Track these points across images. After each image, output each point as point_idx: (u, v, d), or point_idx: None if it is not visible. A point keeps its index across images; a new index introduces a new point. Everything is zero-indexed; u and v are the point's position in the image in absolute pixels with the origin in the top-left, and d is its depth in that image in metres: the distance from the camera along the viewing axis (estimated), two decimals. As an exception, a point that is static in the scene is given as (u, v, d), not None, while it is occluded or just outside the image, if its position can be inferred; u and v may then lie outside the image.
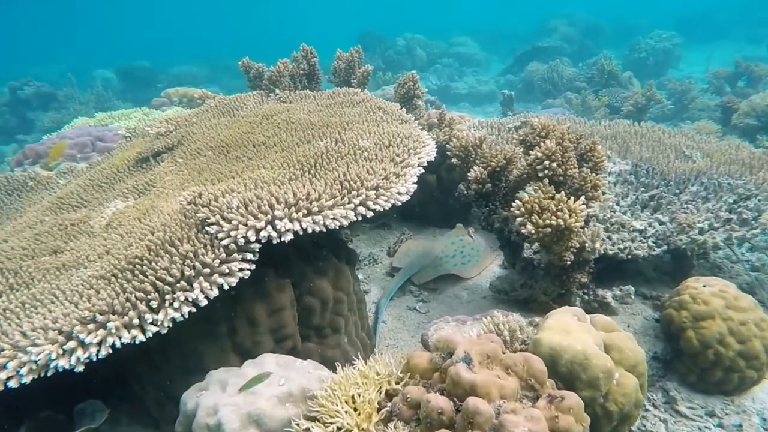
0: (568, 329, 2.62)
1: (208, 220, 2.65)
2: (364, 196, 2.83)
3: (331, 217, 2.68)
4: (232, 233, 2.54)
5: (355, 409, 2.17)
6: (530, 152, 3.35)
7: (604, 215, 4.21)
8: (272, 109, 4.52)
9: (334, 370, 3.06)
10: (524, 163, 3.86)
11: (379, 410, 2.13)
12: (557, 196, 3.07)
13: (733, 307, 3.33)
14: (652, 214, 4.37)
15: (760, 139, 7.85)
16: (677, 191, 4.60)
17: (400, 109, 4.32)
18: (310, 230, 2.63)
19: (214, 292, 2.45)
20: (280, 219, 2.58)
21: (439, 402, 1.96)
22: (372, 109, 4.29)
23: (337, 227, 2.73)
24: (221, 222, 2.59)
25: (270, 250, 2.90)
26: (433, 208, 5.44)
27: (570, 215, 2.96)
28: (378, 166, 3.12)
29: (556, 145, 3.24)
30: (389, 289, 4.31)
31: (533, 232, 3.06)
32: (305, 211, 2.64)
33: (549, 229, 3.01)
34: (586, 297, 3.77)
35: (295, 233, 2.62)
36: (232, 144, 3.91)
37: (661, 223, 4.20)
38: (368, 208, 2.85)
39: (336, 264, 3.12)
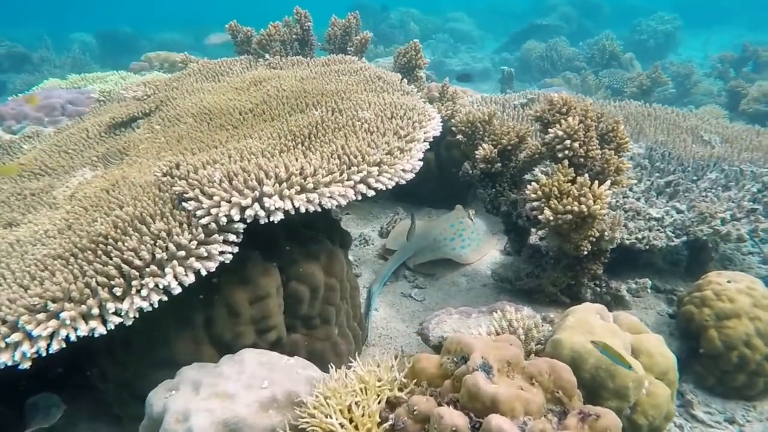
0: (592, 329, 2.32)
1: (185, 195, 2.28)
2: (365, 173, 2.49)
3: (328, 195, 2.34)
4: (213, 211, 2.18)
5: (351, 421, 1.85)
6: (549, 130, 3.01)
7: (617, 201, 3.91)
8: (261, 74, 4.12)
9: (322, 364, 2.74)
10: (535, 143, 3.53)
11: (380, 423, 1.82)
12: (580, 179, 2.75)
13: (761, 306, 3.05)
14: (667, 202, 4.08)
15: (771, 127, 7.58)
16: (695, 178, 4.30)
17: (401, 80, 3.95)
18: (303, 209, 2.29)
19: (190, 278, 2.10)
20: (270, 196, 2.23)
21: (455, 419, 1.65)
22: (371, 78, 3.91)
23: (334, 207, 2.38)
24: (201, 197, 2.23)
25: (255, 229, 2.55)
26: (430, 187, 5.10)
27: (595, 201, 2.64)
28: (380, 140, 2.77)
29: (578, 123, 2.91)
30: (382, 274, 3.99)
31: (551, 218, 2.74)
32: (298, 188, 2.29)
33: (569, 216, 2.69)
34: (597, 289, 3.48)
35: (286, 213, 2.27)
36: (216, 111, 3.52)
37: (679, 211, 3.91)
38: (369, 186, 2.51)
39: (329, 247, 2.79)
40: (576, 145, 2.92)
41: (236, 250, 2.25)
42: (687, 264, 4.13)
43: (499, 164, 3.42)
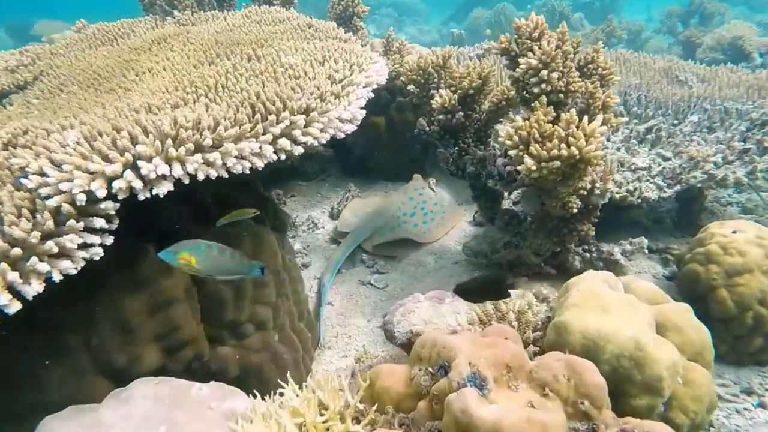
0: (605, 305, 1.75)
1: (27, 168, 1.59)
2: (287, 123, 1.84)
3: (236, 154, 1.68)
4: (64, 186, 1.50)
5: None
6: (520, 61, 2.42)
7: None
8: (167, 32, 3.40)
9: (260, 383, 2.12)
10: (501, 88, 2.95)
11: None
12: (565, 116, 2.18)
13: (775, 257, 2.58)
14: (650, 150, 3.58)
15: (727, 74, 7.27)
16: (676, 122, 3.83)
17: (337, 27, 3.30)
18: (202, 176, 1.63)
19: (34, 288, 1.42)
20: (147, 159, 1.56)
21: (438, 470, 1.05)
22: (300, 27, 3.25)
23: (247, 171, 1.73)
24: (47, 169, 1.54)
25: (148, 212, 1.89)
26: (384, 156, 4.48)
27: (587, 141, 2.08)
28: (309, 84, 2.13)
29: (555, 49, 2.33)
30: (335, 260, 3.36)
31: (534, 168, 2.16)
32: (192, 147, 1.63)
33: (557, 163, 2.12)
34: (587, 255, 2.94)
35: (179, 184, 1.62)
36: (107, 75, 2.80)
37: (666, 158, 3.41)
38: (296, 142, 1.87)
39: (255, 230, 2.14)
40: (554, 76, 2.35)
41: (109, 240, 1.58)
42: (676, 218, 3.66)
43: (460, 114, 2.82)
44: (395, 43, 4.19)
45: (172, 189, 1.59)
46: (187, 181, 1.62)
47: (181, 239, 1.97)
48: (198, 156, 1.60)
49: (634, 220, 3.80)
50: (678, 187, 3.15)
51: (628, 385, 1.62)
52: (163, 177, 1.57)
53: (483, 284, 1.90)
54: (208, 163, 1.64)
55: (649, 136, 3.65)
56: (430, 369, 1.32)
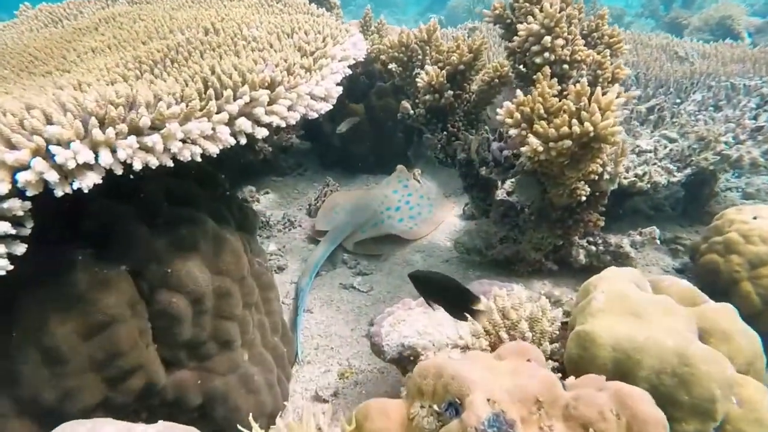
0: (637, 309, 1.46)
1: None
2: (246, 99, 1.51)
3: (181, 137, 1.34)
4: (-50, 182, 1.15)
5: None
6: (518, 28, 2.11)
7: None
8: (118, 10, 3.03)
9: (227, 410, 1.80)
10: (493, 64, 2.64)
11: None
12: (574, 88, 1.87)
13: (807, 244, 2.33)
14: (652, 131, 3.31)
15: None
16: (678, 100, 3.57)
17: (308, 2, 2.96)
18: (138, 165, 1.29)
19: None
20: (65, 144, 1.21)
21: None
22: (267, 2, 2.90)
23: (198, 158, 1.40)
24: (-69, 161, 1.19)
25: (80, 213, 1.56)
26: (364, 147, 4.15)
27: (603, 116, 1.78)
28: (274, 57, 1.79)
29: (558, 11, 2.02)
30: (313, 262, 3.03)
31: (540, 150, 1.86)
32: (124, 128, 1.28)
33: (568, 143, 1.81)
34: (593, 248, 2.65)
35: (110, 174, 1.28)
36: (45, 57, 2.43)
37: (672, 140, 3.14)
38: (258, 122, 1.54)
39: (214, 230, 1.80)
40: (559, 43, 2.04)
41: (21, 249, 1.23)
42: (683, 205, 3.40)
43: (450, 93, 2.51)
44: (373, 23, 3.85)
45: (100, 182, 1.24)
46: (120, 171, 1.28)
47: (122, 245, 1.64)
48: (132, 139, 1.26)
49: (635, 208, 3.53)
50: (688, 170, 2.88)
51: (673, 408, 1.32)
52: (88, 166, 1.22)
53: (445, 283, 1.55)
54: (147, 149, 1.30)
55: (651, 117, 3.38)
56: (436, 407, 1.00)
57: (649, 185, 2.70)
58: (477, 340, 1.53)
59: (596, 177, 2.11)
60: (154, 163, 1.30)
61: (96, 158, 1.21)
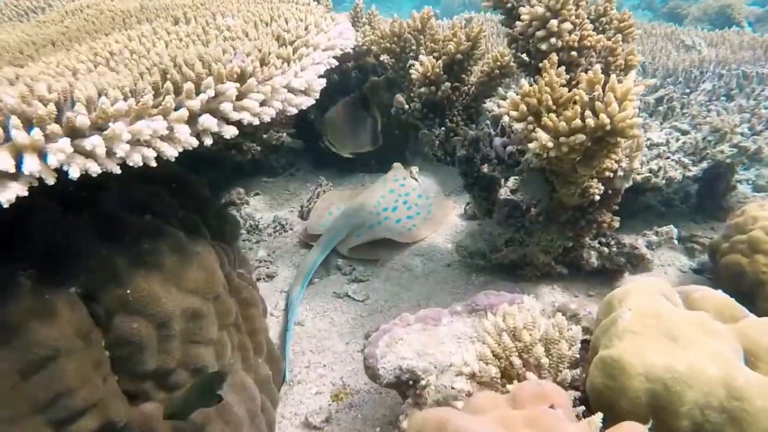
0: (672, 329, 1.25)
1: None
2: (211, 93, 1.29)
3: (127, 138, 1.13)
4: None
5: None
6: (521, 11, 1.90)
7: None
8: (87, 2, 2.81)
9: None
10: (494, 54, 2.43)
11: None
12: (586, 76, 1.66)
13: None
14: (661, 123, 3.11)
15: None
16: (688, 90, 3.36)
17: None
18: (75, 174, 1.07)
19: None
20: (-20, 150, 1.00)
21: None
22: (248, -10, 2.68)
23: (152, 162, 1.18)
24: None
25: (20, 223, 1.35)
26: (358, 146, 3.94)
27: (621, 106, 1.56)
28: (247, 45, 1.58)
29: (567, -7, 1.81)
30: (305, 270, 2.82)
31: (550, 146, 1.64)
32: (57, 129, 1.07)
33: (581, 137, 1.60)
34: (605, 250, 2.44)
35: (41, 184, 1.06)
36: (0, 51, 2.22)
37: (684, 132, 2.93)
38: (226, 120, 1.32)
39: (182, 243, 1.58)
40: (566, 27, 1.83)
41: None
42: (697, 200, 3.19)
43: (447, 85, 2.30)
44: (364, 14, 3.63)
45: (25, 194, 1.03)
46: (52, 181, 1.07)
47: (71, 262, 1.42)
48: (65, 143, 1.05)
49: (646, 204, 3.33)
50: (704, 164, 2.67)
51: (720, 449, 1.12)
52: (8, 176, 1.01)
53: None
54: (86, 153, 1.08)
55: (660, 108, 3.17)
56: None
57: (664, 181, 2.49)
58: (485, 367, 1.32)
59: (611, 174, 1.89)
60: (95, 170, 1.09)
61: (17, 166, 1.00)
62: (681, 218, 3.18)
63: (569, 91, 1.75)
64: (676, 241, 2.48)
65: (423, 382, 1.61)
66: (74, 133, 1.10)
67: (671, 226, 2.48)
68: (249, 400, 1.77)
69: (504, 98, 3.21)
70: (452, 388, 1.34)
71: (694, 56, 3.58)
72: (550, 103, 1.70)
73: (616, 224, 2.24)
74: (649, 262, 2.42)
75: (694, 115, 3.03)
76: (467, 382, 1.35)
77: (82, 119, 1.07)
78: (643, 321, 1.26)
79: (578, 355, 1.36)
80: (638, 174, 2.45)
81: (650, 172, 2.48)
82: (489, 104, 2.84)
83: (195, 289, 1.58)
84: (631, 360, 1.19)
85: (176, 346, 1.56)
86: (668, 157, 2.68)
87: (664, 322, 1.25)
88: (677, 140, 2.86)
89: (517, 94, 1.75)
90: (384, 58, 2.57)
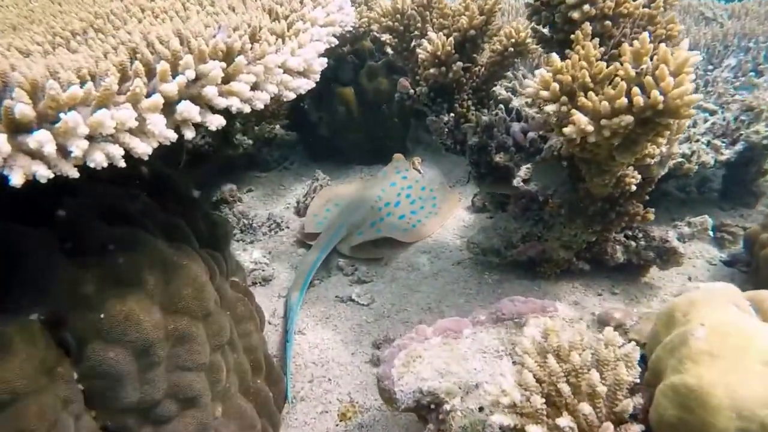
0: (764, 354, 1.04)
1: None
2: (191, 75, 1.06)
3: (85, 133, 0.89)
4: None
5: None
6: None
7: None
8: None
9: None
10: (507, 31, 2.19)
11: None
12: (632, 47, 1.43)
13: None
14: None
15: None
16: (711, 66, 3.14)
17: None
18: (18, 180, 0.84)
19: None
20: None
21: None
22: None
23: (120, 163, 0.95)
24: None
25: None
26: (355, 136, 3.70)
27: (676, 80, 1.34)
28: (234, 20, 1.34)
29: (600, -47, 1.58)
30: (304, 272, 2.60)
31: (590, 130, 1.42)
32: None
33: (628, 118, 1.38)
34: (632, 243, 2.23)
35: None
36: (-42, 40, 1.96)
37: (711, 112, 2.71)
38: (211, 107, 1.09)
39: (165, 254, 1.35)
40: (602, -8, 1.60)
41: None
42: (724, 185, 2.98)
43: (459, 65, 2.07)
44: (361, -7, 3.38)
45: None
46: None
47: (32, 283, 1.19)
48: (0, 140, 0.81)
49: (664, 192, 3.11)
50: (739, 147, 2.46)
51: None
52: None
53: None
54: (31, 153, 0.85)
55: (681, 87, 2.94)
56: None
57: (697, 166, 2.27)
58: (530, 397, 1.11)
59: (652, 161, 1.67)
60: (43, 174, 0.85)
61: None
62: (705, 206, 2.97)
63: (607, 66, 1.52)
64: (711, 233, 2.27)
65: (447, 407, 1.40)
66: (15, 128, 0.86)
67: (705, 216, 2.27)
68: (247, 427, 1.56)
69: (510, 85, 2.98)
70: (490, 425, 1.12)
71: (716, 29, 3.35)
72: (587, 80, 1.47)
73: (651, 217, 2.02)
74: (681, 257, 2.20)
75: (720, 93, 2.81)
76: (508, 414, 1.13)
77: (24, 109, 0.84)
78: (722, 340, 1.04)
79: (638, 380, 1.15)
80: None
81: (683, 158, 2.26)
82: (496, 89, 2.62)
83: (182, 309, 1.35)
84: (715, 391, 0.97)
85: (161, 374, 1.34)
86: (698, 140, 2.46)
87: (749, 341, 1.04)
88: (705, 121, 2.64)
89: (547, 72, 1.52)
90: (385, 38, 2.32)
